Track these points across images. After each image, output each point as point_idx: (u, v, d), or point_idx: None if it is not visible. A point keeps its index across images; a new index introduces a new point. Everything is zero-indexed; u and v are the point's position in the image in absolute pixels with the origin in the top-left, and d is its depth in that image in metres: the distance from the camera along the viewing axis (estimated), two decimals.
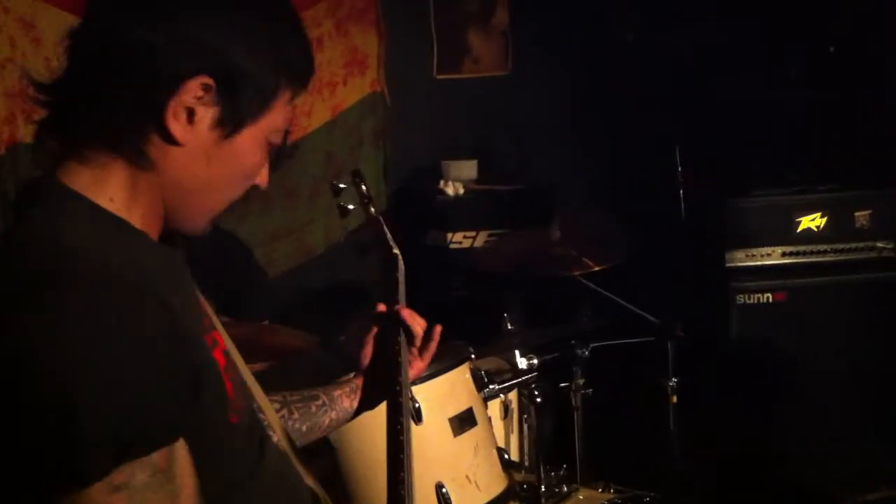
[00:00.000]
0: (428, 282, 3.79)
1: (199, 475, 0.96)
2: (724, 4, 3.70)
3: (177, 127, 1.00)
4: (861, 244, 3.14)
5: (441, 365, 2.14)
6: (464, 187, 3.78)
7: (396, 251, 1.73)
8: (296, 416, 1.52)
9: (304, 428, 1.52)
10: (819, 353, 3.09)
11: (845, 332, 3.09)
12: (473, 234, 3.61)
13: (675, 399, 2.83)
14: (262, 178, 1.14)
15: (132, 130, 1.01)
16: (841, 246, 3.14)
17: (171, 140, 1.01)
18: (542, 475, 2.40)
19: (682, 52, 3.77)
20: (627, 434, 3.01)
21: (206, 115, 1.02)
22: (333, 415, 1.58)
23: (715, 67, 3.69)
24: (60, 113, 1.03)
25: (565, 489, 2.45)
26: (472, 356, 2.27)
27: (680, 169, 3.37)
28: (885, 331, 3.08)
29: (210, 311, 1.22)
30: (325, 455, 2.15)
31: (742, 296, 3.11)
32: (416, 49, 4.04)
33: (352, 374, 1.66)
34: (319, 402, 1.56)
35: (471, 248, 3.60)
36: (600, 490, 2.62)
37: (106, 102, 1.00)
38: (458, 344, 2.28)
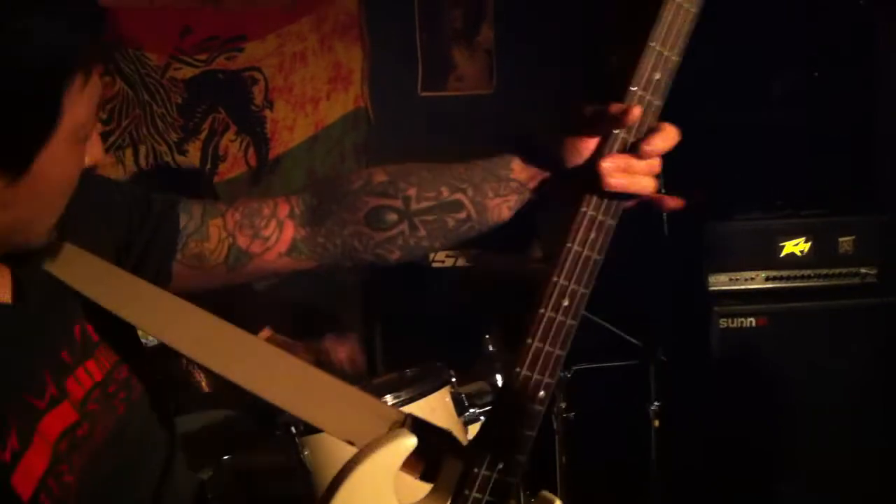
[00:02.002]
0: (408, 302, 3.75)
1: None
2: (711, 27, 3.69)
3: None
4: (844, 270, 3.13)
5: (421, 388, 2.10)
6: None
7: None
8: (421, 233, 1.20)
9: (437, 244, 1.22)
10: (801, 379, 3.07)
11: (828, 357, 3.07)
12: (456, 253, 3.58)
13: (657, 423, 2.81)
14: (94, 157, 0.97)
15: None
16: (824, 271, 3.13)
17: None
18: (522, 500, 2.36)
19: None
20: (609, 458, 2.98)
21: None
22: (473, 228, 1.22)
23: (699, 90, 3.69)
24: None
25: None
26: (453, 379, 2.23)
27: (663, 191, 3.36)
28: (868, 356, 3.06)
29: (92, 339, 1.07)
30: (299, 477, 2.10)
31: (725, 320, 3.09)
32: (400, 66, 4.02)
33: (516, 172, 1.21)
34: (462, 214, 1.20)
35: (452, 268, 3.57)
36: None
37: None
38: (438, 367, 2.25)
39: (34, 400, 0.96)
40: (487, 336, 2.69)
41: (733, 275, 3.14)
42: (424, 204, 1.18)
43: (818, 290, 3.13)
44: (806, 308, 3.11)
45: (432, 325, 3.44)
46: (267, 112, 3.66)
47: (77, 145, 0.91)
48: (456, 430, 2.14)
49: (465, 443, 1.13)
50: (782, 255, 3.13)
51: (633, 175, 1.12)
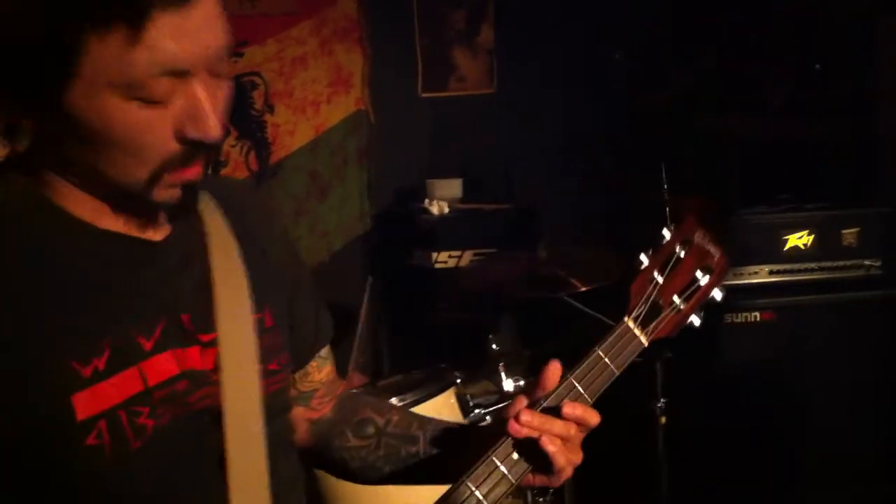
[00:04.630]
0: (412, 302, 3.76)
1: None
2: (713, 28, 3.69)
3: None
4: (848, 262, 3.12)
5: (427, 390, 2.11)
6: (449, 206, 3.75)
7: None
8: (381, 452, 1.31)
9: (386, 469, 1.31)
10: (808, 372, 3.06)
11: (834, 350, 3.07)
12: (458, 253, 3.58)
13: (663, 420, 2.80)
14: (200, 131, 0.91)
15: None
16: (828, 264, 3.12)
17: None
18: (530, 500, 2.36)
19: (670, 73, 3.76)
20: (615, 456, 2.97)
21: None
22: (423, 471, 1.29)
23: (702, 88, 3.69)
24: None
25: None
26: (458, 381, 2.23)
27: (666, 187, 3.35)
28: (873, 349, 3.06)
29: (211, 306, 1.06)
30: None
31: (730, 315, 3.08)
32: (401, 67, 4.03)
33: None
34: (414, 449, 1.29)
35: (456, 268, 3.57)
36: None
37: None
38: (443, 368, 2.25)
39: (140, 338, 0.97)
40: (491, 336, 2.69)
41: (738, 270, 3.13)
42: (396, 430, 1.31)
43: (823, 284, 3.12)
44: (811, 301, 3.10)
45: (437, 325, 3.44)
46: (268, 116, 3.66)
47: (131, 101, 0.88)
48: None
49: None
50: (786, 248, 3.12)
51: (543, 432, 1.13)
